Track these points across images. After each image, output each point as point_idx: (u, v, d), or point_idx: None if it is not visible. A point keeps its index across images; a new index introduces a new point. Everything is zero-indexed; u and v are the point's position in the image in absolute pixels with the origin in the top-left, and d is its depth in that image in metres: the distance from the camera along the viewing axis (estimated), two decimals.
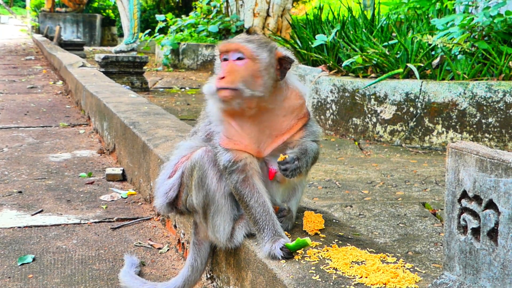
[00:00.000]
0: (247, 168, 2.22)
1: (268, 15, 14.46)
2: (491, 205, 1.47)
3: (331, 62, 6.74)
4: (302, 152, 2.24)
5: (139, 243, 3.45)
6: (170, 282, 2.63)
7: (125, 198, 4.29)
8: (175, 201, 2.44)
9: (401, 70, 5.88)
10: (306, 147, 2.28)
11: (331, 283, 1.87)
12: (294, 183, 2.39)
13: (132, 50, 10.20)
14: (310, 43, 7.22)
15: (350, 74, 6.50)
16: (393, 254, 2.12)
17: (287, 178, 2.25)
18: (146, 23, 21.90)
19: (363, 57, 6.17)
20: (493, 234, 1.47)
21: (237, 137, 2.23)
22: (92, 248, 3.36)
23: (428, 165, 4.93)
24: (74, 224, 3.75)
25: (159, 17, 15.88)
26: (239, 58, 2.19)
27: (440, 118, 5.54)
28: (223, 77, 2.17)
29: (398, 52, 6.13)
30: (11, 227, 3.65)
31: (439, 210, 3.68)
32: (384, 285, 1.85)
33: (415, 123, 5.65)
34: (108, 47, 21.81)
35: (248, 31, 14.07)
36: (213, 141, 2.29)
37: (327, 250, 2.13)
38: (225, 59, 2.21)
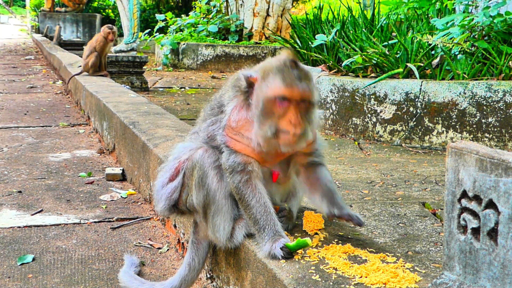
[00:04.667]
0: (250, 170, 2.21)
1: (268, 14, 14.46)
2: (491, 205, 1.47)
3: (331, 62, 6.74)
4: (336, 200, 2.30)
5: (139, 243, 3.45)
6: (167, 282, 2.63)
7: (125, 198, 4.29)
8: (176, 202, 2.43)
9: (401, 70, 5.88)
10: (328, 186, 2.30)
11: (331, 283, 1.87)
12: (295, 184, 2.39)
13: (132, 49, 10.19)
14: (310, 43, 7.22)
15: (350, 74, 6.49)
16: (393, 254, 2.12)
17: (289, 179, 2.29)
18: (146, 23, 21.88)
19: (363, 57, 6.17)
20: (493, 234, 1.47)
21: (251, 145, 2.21)
22: (92, 248, 3.36)
23: (428, 165, 4.93)
24: (74, 224, 3.74)
25: (159, 16, 15.87)
26: (302, 101, 2.07)
27: (440, 118, 5.54)
28: (295, 124, 2.05)
29: (398, 52, 6.12)
30: (11, 227, 3.65)
31: (439, 210, 3.68)
32: (384, 285, 1.85)
33: (415, 123, 5.65)
34: None
35: (251, 36, 14.07)
36: (216, 141, 2.28)
37: (327, 250, 2.13)
38: (285, 99, 2.05)
